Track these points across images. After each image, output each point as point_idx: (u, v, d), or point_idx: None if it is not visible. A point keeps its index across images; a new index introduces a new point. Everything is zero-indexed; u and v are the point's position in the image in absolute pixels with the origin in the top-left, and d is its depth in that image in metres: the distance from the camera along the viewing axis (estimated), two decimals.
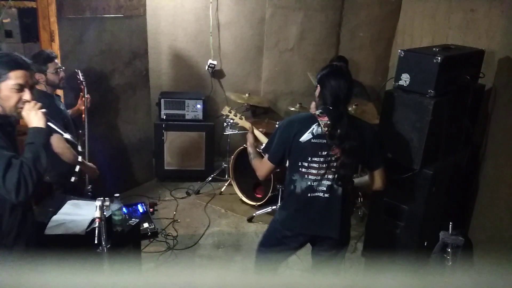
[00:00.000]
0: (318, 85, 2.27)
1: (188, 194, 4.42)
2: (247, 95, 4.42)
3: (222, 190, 4.48)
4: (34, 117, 1.88)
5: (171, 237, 3.64)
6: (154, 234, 3.61)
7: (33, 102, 1.90)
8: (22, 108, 1.89)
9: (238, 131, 4.42)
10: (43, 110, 1.92)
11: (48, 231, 2.35)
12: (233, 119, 2.76)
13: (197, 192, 4.46)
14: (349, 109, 3.82)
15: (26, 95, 1.88)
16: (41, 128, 1.89)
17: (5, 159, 1.76)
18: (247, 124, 2.68)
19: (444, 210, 2.96)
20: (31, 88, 1.91)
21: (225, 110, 2.84)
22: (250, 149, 2.51)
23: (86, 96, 3.21)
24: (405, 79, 2.67)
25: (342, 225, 2.28)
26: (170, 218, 3.95)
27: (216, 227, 3.88)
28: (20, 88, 1.87)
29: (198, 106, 4.53)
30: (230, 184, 4.41)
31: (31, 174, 1.77)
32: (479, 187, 3.03)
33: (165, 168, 4.61)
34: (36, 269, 1.83)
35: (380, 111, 3.01)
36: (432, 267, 2.56)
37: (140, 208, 3.82)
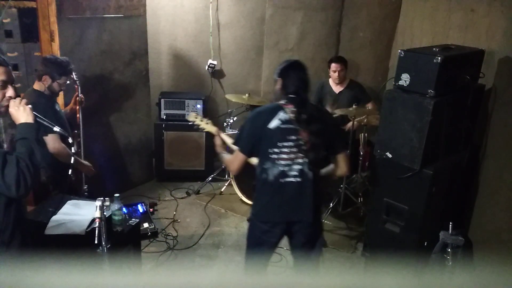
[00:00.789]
0: (279, 78, 2.42)
1: (188, 194, 4.42)
2: (247, 95, 4.42)
3: (222, 190, 4.48)
4: (22, 112, 1.88)
5: (171, 237, 3.64)
6: (154, 234, 3.61)
7: (18, 99, 1.89)
8: (6, 105, 1.88)
9: (238, 131, 4.41)
10: (30, 105, 1.92)
11: (48, 231, 2.35)
12: (199, 125, 2.86)
13: (197, 192, 4.46)
14: (349, 109, 3.83)
15: (10, 91, 1.89)
16: (31, 123, 1.89)
17: (0, 156, 1.76)
18: (213, 129, 2.79)
19: (444, 210, 2.96)
20: (12, 84, 1.91)
21: (191, 117, 2.93)
22: (218, 150, 2.65)
23: (80, 95, 3.18)
24: (405, 79, 2.67)
25: (314, 209, 2.38)
26: (170, 218, 3.95)
27: (216, 227, 3.88)
28: (4, 85, 1.87)
29: (198, 106, 4.53)
30: (230, 184, 4.41)
31: (28, 168, 1.78)
32: (479, 187, 3.02)
33: (165, 168, 4.61)
34: (35, 269, 1.83)
35: (380, 111, 3.01)
36: (432, 267, 2.56)
37: (140, 208, 3.82)
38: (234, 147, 2.47)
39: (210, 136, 4.33)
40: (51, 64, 2.93)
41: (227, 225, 3.93)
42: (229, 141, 2.56)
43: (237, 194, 4.27)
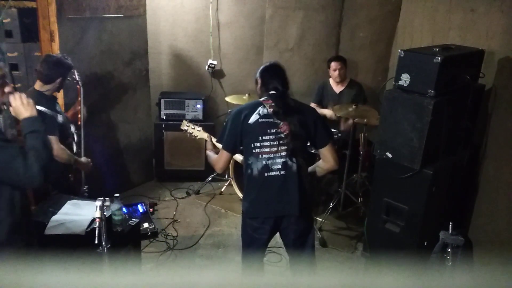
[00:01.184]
0: (259, 78, 2.51)
1: (188, 194, 4.42)
2: (247, 95, 4.42)
3: (222, 190, 4.48)
4: (26, 106, 1.89)
5: (171, 237, 3.64)
6: (154, 234, 3.61)
7: (17, 93, 1.90)
8: (4, 103, 1.88)
9: None
10: (30, 99, 1.92)
11: (48, 231, 2.35)
12: (191, 133, 2.92)
13: (197, 192, 4.46)
14: (349, 109, 3.83)
15: (8, 87, 1.90)
16: (36, 116, 1.90)
17: (17, 151, 1.78)
18: (205, 135, 2.86)
19: (444, 210, 2.96)
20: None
21: (183, 125, 2.98)
22: (208, 153, 2.70)
23: (79, 98, 3.19)
24: (405, 79, 2.67)
25: (301, 203, 2.38)
26: (170, 218, 3.95)
27: (216, 227, 3.88)
28: (2, 82, 1.87)
29: (198, 106, 4.53)
30: (230, 184, 4.41)
31: (45, 159, 1.82)
32: (479, 187, 3.02)
33: (165, 168, 4.60)
34: (35, 269, 1.83)
35: (380, 111, 3.01)
36: (432, 267, 2.56)
37: (140, 208, 3.82)
38: (218, 145, 2.53)
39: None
40: (62, 65, 2.98)
41: (227, 225, 3.93)
42: (219, 145, 2.59)
43: (237, 194, 4.26)
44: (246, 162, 2.43)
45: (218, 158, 2.52)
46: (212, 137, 2.80)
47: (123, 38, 4.01)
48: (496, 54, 2.95)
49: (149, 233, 3.58)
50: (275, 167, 2.37)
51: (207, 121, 4.59)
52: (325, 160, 2.50)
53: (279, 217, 2.43)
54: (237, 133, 2.40)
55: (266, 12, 4.67)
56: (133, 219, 2.75)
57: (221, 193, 4.46)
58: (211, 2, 4.59)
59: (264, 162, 2.37)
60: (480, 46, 2.96)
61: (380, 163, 2.90)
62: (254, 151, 2.37)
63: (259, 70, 2.54)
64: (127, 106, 4.25)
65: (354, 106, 3.83)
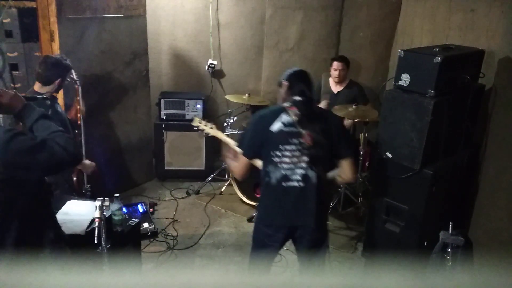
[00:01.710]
0: (285, 80, 2.42)
1: (188, 194, 4.42)
2: (247, 95, 4.42)
3: (222, 190, 4.48)
4: (16, 98, 1.76)
5: (171, 237, 3.64)
6: (154, 234, 3.61)
7: (2, 89, 1.78)
8: None
9: (238, 131, 4.42)
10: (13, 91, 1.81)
11: None
12: (204, 130, 2.85)
13: (197, 192, 4.46)
14: (349, 109, 3.83)
15: None
16: (28, 103, 1.79)
17: (43, 138, 1.68)
18: (219, 134, 2.80)
19: (444, 210, 2.96)
20: None
21: (195, 122, 2.92)
22: (228, 160, 2.57)
23: (78, 98, 3.18)
24: (405, 79, 2.67)
25: (318, 214, 2.33)
26: (170, 218, 3.95)
27: (216, 227, 3.88)
28: None
29: (198, 106, 4.53)
30: (230, 184, 4.41)
31: (66, 136, 1.73)
32: (479, 187, 3.02)
33: (165, 168, 4.61)
34: (35, 269, 1.83)
35: (380, 111, 3.00)
36: (432, 267, 2.56)
37: (140, 208, 3.82)
38: (238, 150, 2.45)
39: (211, 137, 4.35)
40: (61, 66, 2.97)
41: (227, 225, 3.93)
42: (239, 150, 2.53)
43: (237, 194, 4.26)
44: (265, 170, 2.35)
45: (238, 165, 2.44)
46: (229, 139, 2.69)
47: (123, 38, 4.01)
48: (496, 54, 2.95)
49: (149, 233, 3.58)
50: (294, 177, 2.29)
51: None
52: (343, 172, 2.42)
53: (294, 227, 2.38)
54: (258, 140, 2.34)
55: (266, 12, 4.67)
56: (133, 219, 2.74)
57: (221, 193, 4.46)
58: (211, 2, 4.59)
59: (283, 172, 2.29)
60: (480, 46, 2.96)
61: (380, 163, 2.90)
62: (274, 159, 2.30)
63: (286, 74, 2.45)
64: (127, 106, 4.24)
65: (354, 106, 3.83)
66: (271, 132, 2.29)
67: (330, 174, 2.53)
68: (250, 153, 2.38)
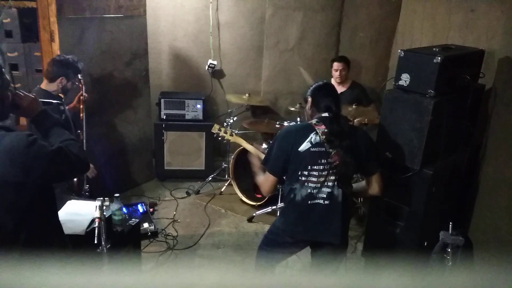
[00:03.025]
0: (310, 96, 2.37)
1: (188, 194, 4.42)
2: (247, 95, 4.42)
3: (222, 190, 4.48)
4: (36, 102, 1.79)
5: (171, 237, 3.64)
6: (154, 234, 3.61)
7: (23, 92, 1.80)
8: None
9: (238, 131, 4.42)
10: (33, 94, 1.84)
11: None
12: (224, 137, 2.82)
13: (197, 192, 4.46)
14: (349, 109, 3.83)
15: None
16: (45, 109, 1.82)
17: (59, 145, 1.70)
18: (239, 140, 2.75)
19: (444, 210, 2.96)
20: None
21: (215, 129, 2.89)
22: (254, 169, 2.52)
23: (84, 94, 3.20)
24: (405, 79, 2.67)
25: (343, 231, 2.30)
26: (170, 218, 3.95)
27: (216, 227, 3.88)
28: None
29: (198, 106, 4.53)
30: (230, 184, 4.41)
31: (78, 145, 1.79)
32: (479, 187, 3.02)
33: (165, 168, 4.61)
34: (35, 269, 1.83)
35: (380, 111, 3.01)
36: (432, 267, 2.56)
37: (140, 208, 3.82)
38: (263, 167, 2.40)
39: (210, 136, 4.34)
40: (67, 64, 3.00)
41: (227, 225, 3.93)
42: (253, 150, 2.47)
43: (237, 194, 4.27)
44: (290, 186, 2.29)
45: (264, 181, 2.38)
46: (248, 144, 2.62)
47: (123, 38, 4.01)
48: (496, 54, 2.94)
49: (149, 233, 3.58)
50: (320, 195, 2.25)
51: (207, 121, 4.59)
52: (370, 187, 2.39)
53: (318, 242, 2.34)
54: (284, 158, 2.27)
55: (266, 12, 4.67)
56: (133, 219, 2.74)
57: (221, 193, 4.46)
58: (211, 2, 4.59)
59: (309, 191, 2.24)
60: (480, 46, 2.96)
61: (380, 163, 2.90)
62: (300, 178, 2.24)
63: (311, 89, 2.39)
64: (127, 106, 4.25)
65: (354, 106, 3.83)
66: (298, 152, 2.23)
67: (355, 186, 2.49)
68: (277, 171, 2.32)
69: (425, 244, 2.77)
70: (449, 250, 2.45)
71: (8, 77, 1.77)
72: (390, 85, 2.83)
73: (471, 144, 3.02)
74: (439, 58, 2.50)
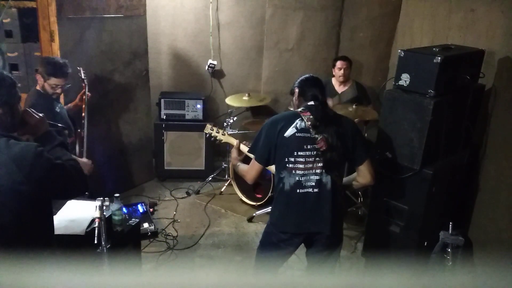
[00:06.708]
0: (297, 87, 2.43)
1: (188, 194, 4.42)
2: (247, 95, 4.42)
3: (222, 190, 4.48)
4: (43, 122, 1.85)
5: (171, 237, 3.64)
6: (154, 234, 3.61)
7: (33, 110, 1.85)
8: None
9: (238, 131, 4.42)
10: (41, 114, 1.88)
11: None
12: (216, 136, 2.83)
13: (197, 192, 4.46)
14: (349, 109, 3.84)
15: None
16: (50, 130, 1.88)
17: (62, 162, 1.75)
18: (231, 140, 2.75)
19: (444, 210, 2.96)
20: None
21: (207, 129, 2.88)
22: (233, 162, 2.59)
23: (87, 93, 3.21)
24: (405, 79, 2.67)
25: (333, 221, 2.30)
26: (170, 218, 3.95)
27: (216, 227, 3.88)
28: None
29: (198, 106, 4.53)
30: (230, 184, 4.41)
31: (78, 166, 1.83)
32: (479, 187, 3.02)
33: (165, 168, 4.61)
34: (36, 269, 1.83)
35: (380, 112, 3.01)
36: (432, 267, 2.56)
37: (140, 208, 3.82)
38: (250, 155, 2.42)
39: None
40: (43, 63, 2.98)
41: (227, 225, 3.93)
42: (251, 155, 2.46)
43: (237, 194, 4.27)
44: (278, 176, 2.31)
45: (249, 168, 2.41)
46: (242, 143, 2.66)
47: (123, 38, 4.01)
48: (496, 54, 2.95)
49: (149, 233, 3.58)
50: (309, 184, 2.25)
51: (207, 121, 4.59)
52: (362, 176, 2.39)
53: (310, 233, 2.34)
54: (271, 145, 2.29)
55: (266, 12, 4.67)
56: (133, 219, 2.74)
57: (221, 193, 4.46)
58: (211, 2, 4.59)
59: (297, 178, 2.25)
60: (480, 46, 2.96)
61: (380, 163, 2.90)
62: (287, 165, 2.25)
63: (297, 81, 2.44)
64: (127, 106, 4.25)
65: (354, 106, 3.83)
66: (284, 137, 2.25)
67: (346, 179, 2.49)
68: (262, 159, 2.33)
69: (425, 244, 2.77)
70: (449, 250, 2.45)
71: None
72: (390, 85, 2.83)
73: (471, 144, 3.02)
74: (439, 58, 2.50)
